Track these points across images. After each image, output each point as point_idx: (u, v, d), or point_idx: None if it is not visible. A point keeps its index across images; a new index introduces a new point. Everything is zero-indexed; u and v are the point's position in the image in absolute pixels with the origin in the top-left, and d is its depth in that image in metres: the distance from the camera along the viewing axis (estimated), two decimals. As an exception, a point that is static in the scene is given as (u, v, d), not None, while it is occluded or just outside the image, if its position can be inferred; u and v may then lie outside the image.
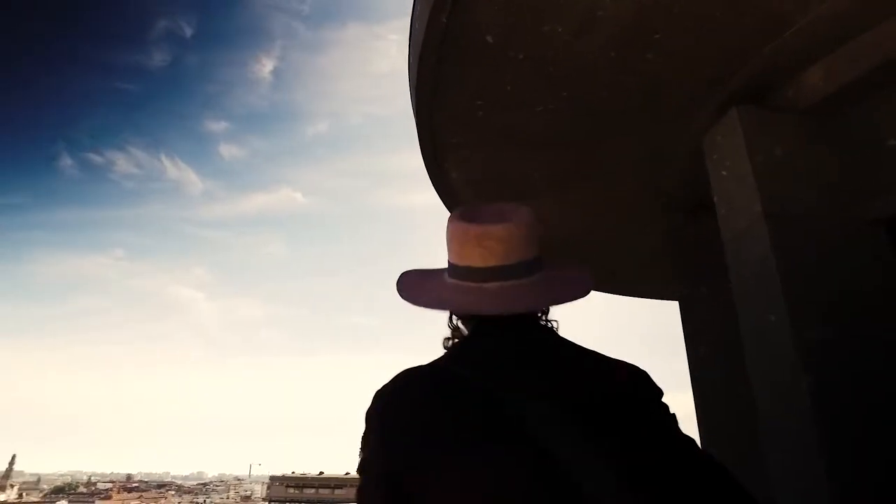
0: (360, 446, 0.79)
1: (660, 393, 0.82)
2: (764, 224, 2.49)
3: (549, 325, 0.90)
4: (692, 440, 0.78)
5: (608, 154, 3.72)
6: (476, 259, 0.84)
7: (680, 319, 4.08)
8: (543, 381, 0.76)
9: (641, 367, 0.83)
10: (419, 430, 0.73)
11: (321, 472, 70.46)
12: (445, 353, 0.87)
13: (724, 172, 2.86)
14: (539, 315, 0.90)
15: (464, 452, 0.70)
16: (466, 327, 0.91)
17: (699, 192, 4.09)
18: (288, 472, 70.01)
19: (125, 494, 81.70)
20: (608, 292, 6.19)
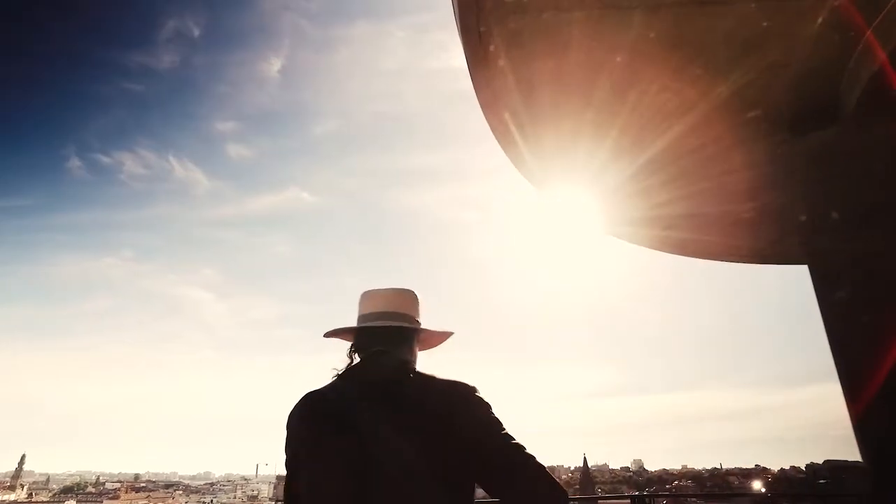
0: None
1: (476, 403, 1.20)
2: None
3: (411, 364, 1.33)
4: (517, 446, 1.13)
5: (702, 25, 2.72)
6: (366, 308, 1.40)
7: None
8: (376, 400, 1.19)
9: (466, 384, 1.22)
10: (298, 434, 1.24)
11: (329, 472, 69.23)
12: (334, 377, 1.32)
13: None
14: (406, 359, 1.33)
15: (318, 450, 1.17)
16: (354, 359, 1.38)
17: (823, 93, 3.10)
18: (295, 472, 69.00)
19: (133, 494, 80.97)
20: (689, 255, 4.92)
